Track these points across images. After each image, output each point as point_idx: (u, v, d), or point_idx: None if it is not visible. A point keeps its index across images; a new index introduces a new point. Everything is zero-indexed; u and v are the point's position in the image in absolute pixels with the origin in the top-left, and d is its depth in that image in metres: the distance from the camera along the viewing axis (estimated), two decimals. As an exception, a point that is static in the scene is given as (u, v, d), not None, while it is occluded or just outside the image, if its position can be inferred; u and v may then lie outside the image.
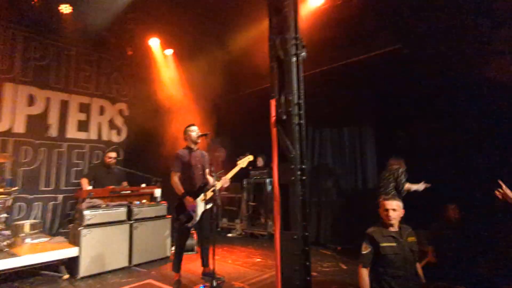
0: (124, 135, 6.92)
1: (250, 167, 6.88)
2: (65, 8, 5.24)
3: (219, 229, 7.49)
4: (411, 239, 2.85)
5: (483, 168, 4.33)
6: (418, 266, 2.93)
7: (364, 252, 2.77)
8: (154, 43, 6.61)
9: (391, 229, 2.84)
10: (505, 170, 3.95)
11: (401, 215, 2.89)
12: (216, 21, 6.02)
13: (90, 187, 5.01)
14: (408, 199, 4.43)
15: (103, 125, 6.61)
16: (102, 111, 6.61)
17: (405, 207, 2.95)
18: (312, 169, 6.42)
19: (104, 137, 6.61)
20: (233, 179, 4.15)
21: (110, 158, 5.45)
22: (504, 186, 2.70)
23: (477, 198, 4.29)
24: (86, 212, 4.33)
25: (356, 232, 5.37)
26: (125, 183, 5.49)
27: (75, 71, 6.22)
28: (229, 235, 7.13)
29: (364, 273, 2.74)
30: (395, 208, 2.82)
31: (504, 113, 4.10)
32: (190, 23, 6.02)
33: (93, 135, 6.44)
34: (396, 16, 4.78)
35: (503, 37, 3.81)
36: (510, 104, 3.87)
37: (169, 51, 6.86)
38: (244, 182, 7.26)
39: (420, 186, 4.38)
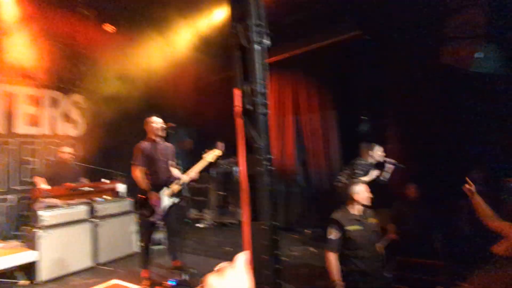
0: (82, 129, 6.50)
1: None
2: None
3: (187, 220, 7.37)
4: (373, 220, 2.98)
5: (441, 150, 4.58)
6: (379, 246, 3.07)
7: (331, 237, 2.85)
8: (108, 29, 6.15)
9: (355, 212, 2.95)
10: (459, 154, 4.22)
11: None
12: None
13: (47, 186, 4.67)
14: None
15: (57, 118, 6.14)
16: (54, 103, 6.13)
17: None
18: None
19: (60, 132, 6.16)
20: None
21: (64, 153, 5.08)
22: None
23: (435, 179, 4.56)
24: (42, 213, 4.06)
25: (324, 215, 5.57)
26: (84, 180, 5.19)
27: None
28: (198, 225, 7.05)
29: (333, 257, 2.82)
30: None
31: (462, 98, 4.31)
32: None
33: (46, 130, 5.97)
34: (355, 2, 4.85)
35: (454, 24, 4.01)
36: (469, 87, 4.09)
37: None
38: (212, 172, 7.17)
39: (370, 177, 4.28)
